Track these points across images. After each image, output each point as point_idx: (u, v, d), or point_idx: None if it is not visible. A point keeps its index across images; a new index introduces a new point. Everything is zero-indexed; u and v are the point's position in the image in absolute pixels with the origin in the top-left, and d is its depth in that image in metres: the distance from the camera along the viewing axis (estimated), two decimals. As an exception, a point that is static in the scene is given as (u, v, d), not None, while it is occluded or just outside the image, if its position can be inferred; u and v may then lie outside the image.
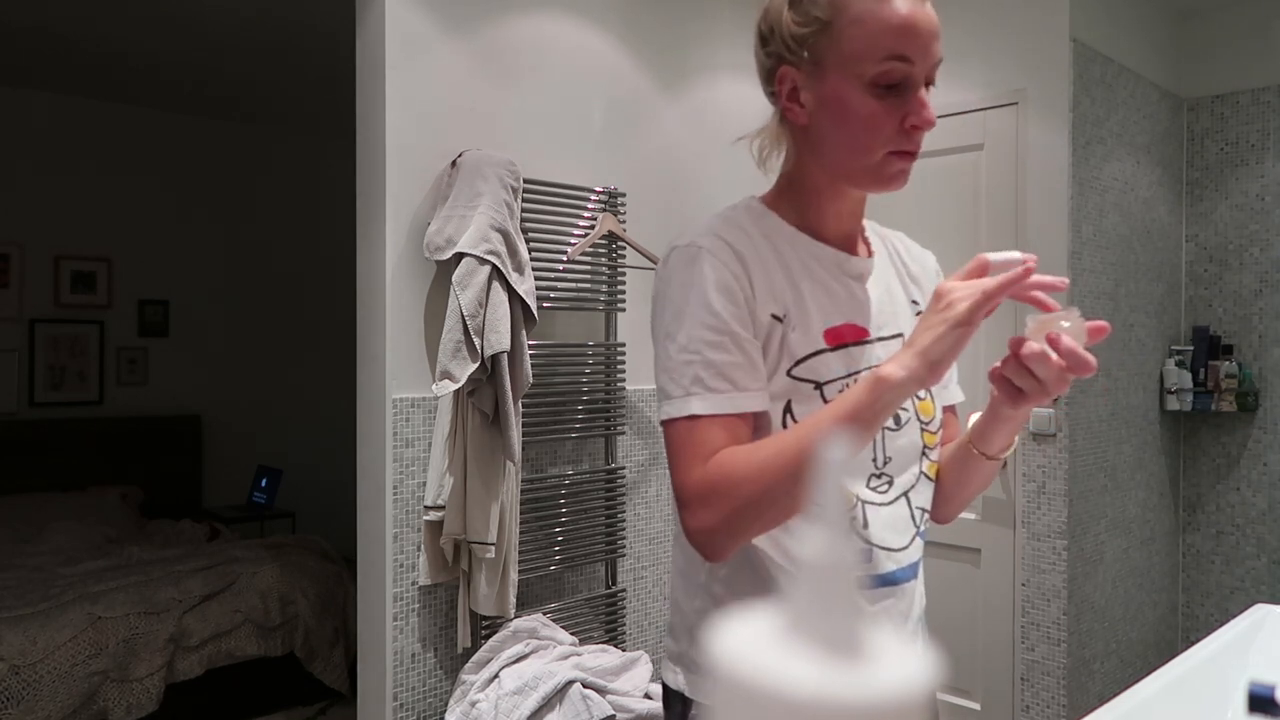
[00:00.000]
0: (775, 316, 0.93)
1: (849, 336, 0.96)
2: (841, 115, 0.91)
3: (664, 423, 0.91)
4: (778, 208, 0.99)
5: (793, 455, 0.82)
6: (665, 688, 1.02)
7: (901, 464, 0.99)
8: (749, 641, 0.28)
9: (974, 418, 1.03)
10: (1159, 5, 3.26)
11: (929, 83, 0.91)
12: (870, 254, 1.04)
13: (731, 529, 0.85)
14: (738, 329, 0.90)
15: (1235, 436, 3.26)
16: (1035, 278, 0.83)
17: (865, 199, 1.01)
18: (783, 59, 0.94)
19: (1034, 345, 0.84)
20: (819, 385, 0.93)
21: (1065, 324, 0.84)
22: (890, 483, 0.98)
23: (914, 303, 1.06)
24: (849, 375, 0.95)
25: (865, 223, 1.06)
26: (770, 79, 0.97)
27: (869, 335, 0.98)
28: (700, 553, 0.88)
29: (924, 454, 1.02)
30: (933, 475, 1.04)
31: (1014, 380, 0.86)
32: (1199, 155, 3.39)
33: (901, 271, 1.07)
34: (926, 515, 1.03)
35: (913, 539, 1.01)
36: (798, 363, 0.93)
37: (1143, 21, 3.17)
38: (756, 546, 0.94)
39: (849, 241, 1.01)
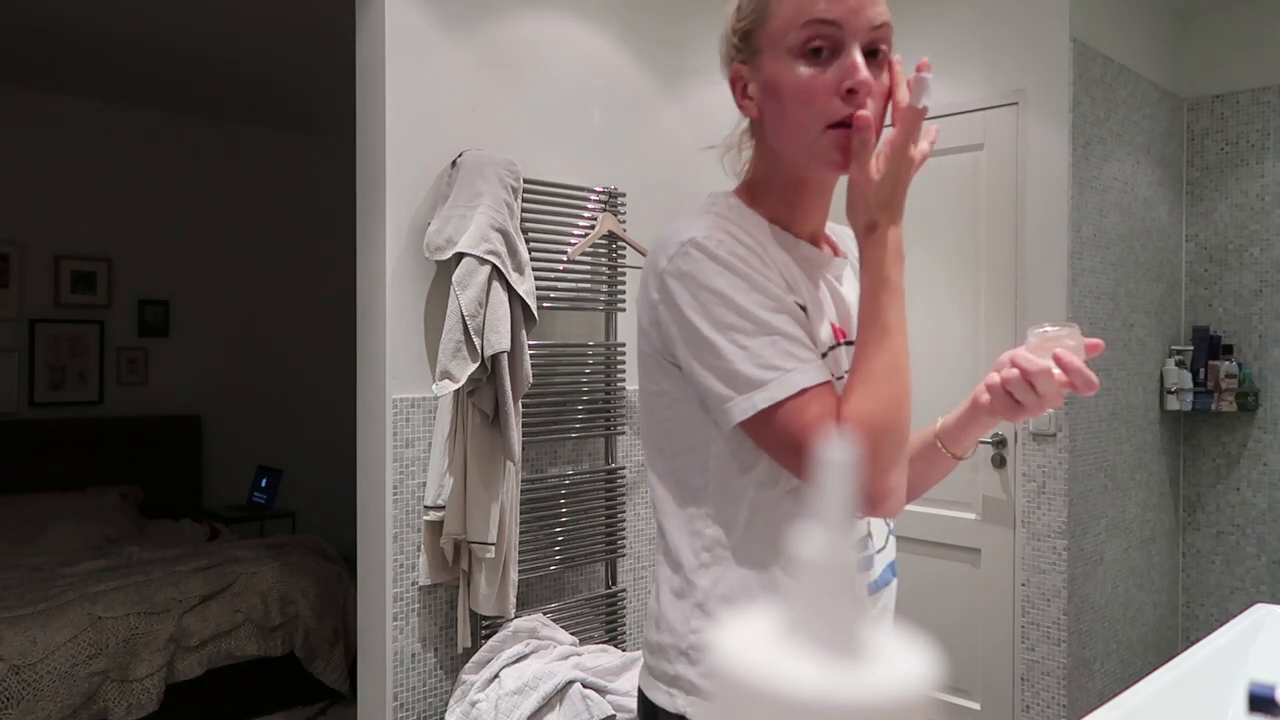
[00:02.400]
0: (800, 305, 0.91)
1: (838, 337, 0.96)
2: (777, 93, 0.89)
3: (764, 412, 0.85)
4: (755, 206, 0.98)
5: (894, 365, 0.85)
6: (653, 708, 0.96)
7: None
8: (749, 642, 0.28)
9: (943, 418, 1.04)
10: (1159, 5, 3.26)
11: (876, 50, 0.88)
12: (836, 253, 1.03)
13: (894, 467, 0.85)
14: (793, 305, 0.89)
15: (1235, 436, 3.26)
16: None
17: (830, 197, 1.00)
18: (732, 60, 0.95)
19: (1039, 362, 0.89)
20: (835, 379, 0.92)
21: (1070, 343, 0.89)
22: None
23: None
24: (839, 377, 0.93)
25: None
26: (730, 86, 0.97)
27: (848, 336, 0.97)
28: (877, 513, 0.86)
29: None
30: None
31: (1016, 394, 0.91)
32: (1199, 155, 3.39)
33: (855, 268, 1.06)
34: None
35: (888, 538, 1.00)
36: (822, 357, 0.91)
37: (1143, 21, 3.17)
38: (759, 561, 0.91)
39: (817, 240, 1.00)
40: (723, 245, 0.88)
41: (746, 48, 0.93)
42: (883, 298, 0.87)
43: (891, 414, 0.84)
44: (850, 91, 0.86)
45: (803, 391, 0.84)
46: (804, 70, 0.87)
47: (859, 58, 0.86)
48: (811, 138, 0.88)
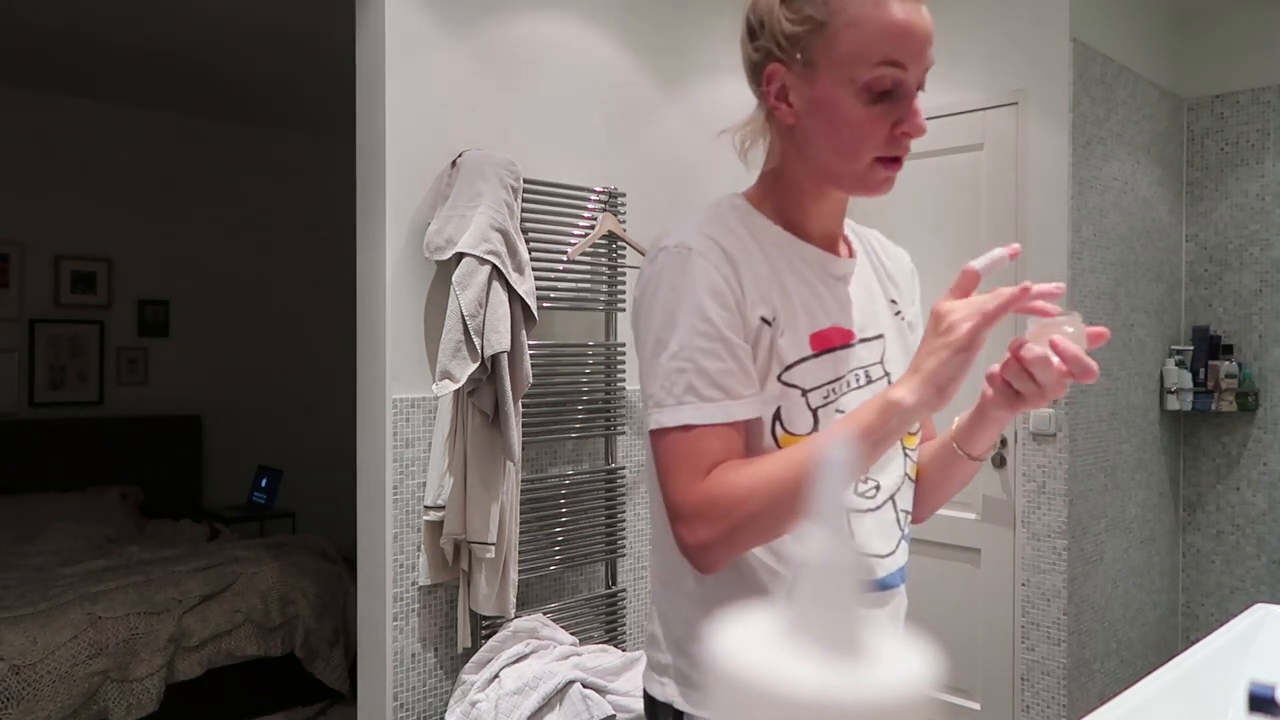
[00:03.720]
0: (765, 320, 0.91)
1: (835, 340, 0.95)
2: (832, 120, 0.89)
3: (654, 432, 0.88)
4: (762, 206, 0.98)
5: (797, 473, 0.82)
6: (651, 699, 0.99)
7: (887, 468, 0.99)
8: (748, 643, 0.28)
9: (958, 418, 1.03)
10: (1159, 5, 3.26)
11: (919, 88, 0.90)
12: (851, 254, 1.03)
13: (731, 544, 0.84)
14: (730, 335, 0.88)
15: (1235, 436, 3.26)
16: (1035, 288, 0.83)
17: (848, 199, 1.00)
18: (772, 55, 0.92)
19: (1036, 349, 0.86)
20: (805, 392, 0.92)
21: (1069, 329, 0.85)
22: (877, 487, 0.97)
23: (892, 302, 1.05)
24: (835, 380, 0.94)
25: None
26: (757, 75, 0.95)
27: (853, 338, 0.97)
28: (696, 567, 0.87)
29: (905, 455, 1.01)
30: (914, 476, 1.04)
31: (1014, 384, 0.88)
32: (1199, 155, 3.39)
33: (880, 270, 1.06)
34: (909, 517, 1.03)
35: (899, 543, 1.00)
36: (787, 368, 0.92)
37: (1143, 21, 3.17)
38: (745, 557, 0.92)
39: (831, 241, 1.00)
40: (689, 257, 0.89)
41: (793, 51, 0.90)
42: (846, 432, 0.84)
43: (760, 510, 0.82)
44: (904, 134, 0.88)
45: (688, 428, 0.86)
46: (867, 107, 0.88)
47: (918, 103, 0.89)
48: (861, 165, 0.90)
